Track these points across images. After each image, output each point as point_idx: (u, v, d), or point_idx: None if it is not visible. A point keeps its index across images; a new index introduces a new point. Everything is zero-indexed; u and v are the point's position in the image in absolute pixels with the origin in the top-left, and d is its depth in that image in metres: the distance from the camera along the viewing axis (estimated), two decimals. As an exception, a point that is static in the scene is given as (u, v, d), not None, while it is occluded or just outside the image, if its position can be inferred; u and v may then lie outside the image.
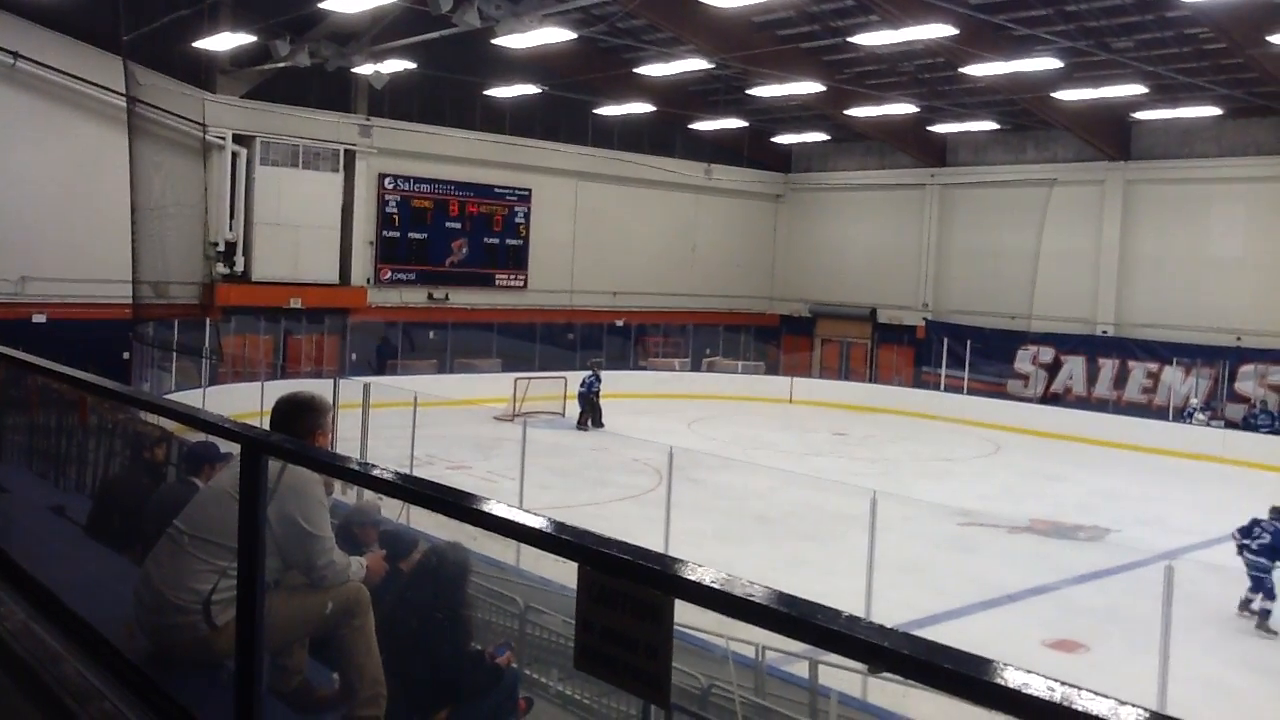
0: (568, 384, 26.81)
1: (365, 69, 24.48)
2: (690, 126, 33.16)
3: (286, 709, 3.78)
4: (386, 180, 29.27)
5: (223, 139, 25.97)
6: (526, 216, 32.05)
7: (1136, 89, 23.97)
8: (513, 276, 31.97)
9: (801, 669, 9.09)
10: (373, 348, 29.06)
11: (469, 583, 5.01)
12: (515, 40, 20.56)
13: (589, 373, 26.49)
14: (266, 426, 3.40)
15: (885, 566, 12.46)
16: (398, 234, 29.65)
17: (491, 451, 20.95)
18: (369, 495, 5.05)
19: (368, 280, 29.12)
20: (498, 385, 26.89)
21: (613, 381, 30.59)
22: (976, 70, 23.36)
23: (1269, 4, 18.80)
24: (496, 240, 31.55)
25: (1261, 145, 26.78)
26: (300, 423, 3.77)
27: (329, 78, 25.65)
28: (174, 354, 24.15)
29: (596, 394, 26.06)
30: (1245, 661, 11.65)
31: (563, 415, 26.29)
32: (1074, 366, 29.96)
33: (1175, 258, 28.17)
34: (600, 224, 33.28)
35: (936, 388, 30.93)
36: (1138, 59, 22.69)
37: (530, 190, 31.97)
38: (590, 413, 25.88)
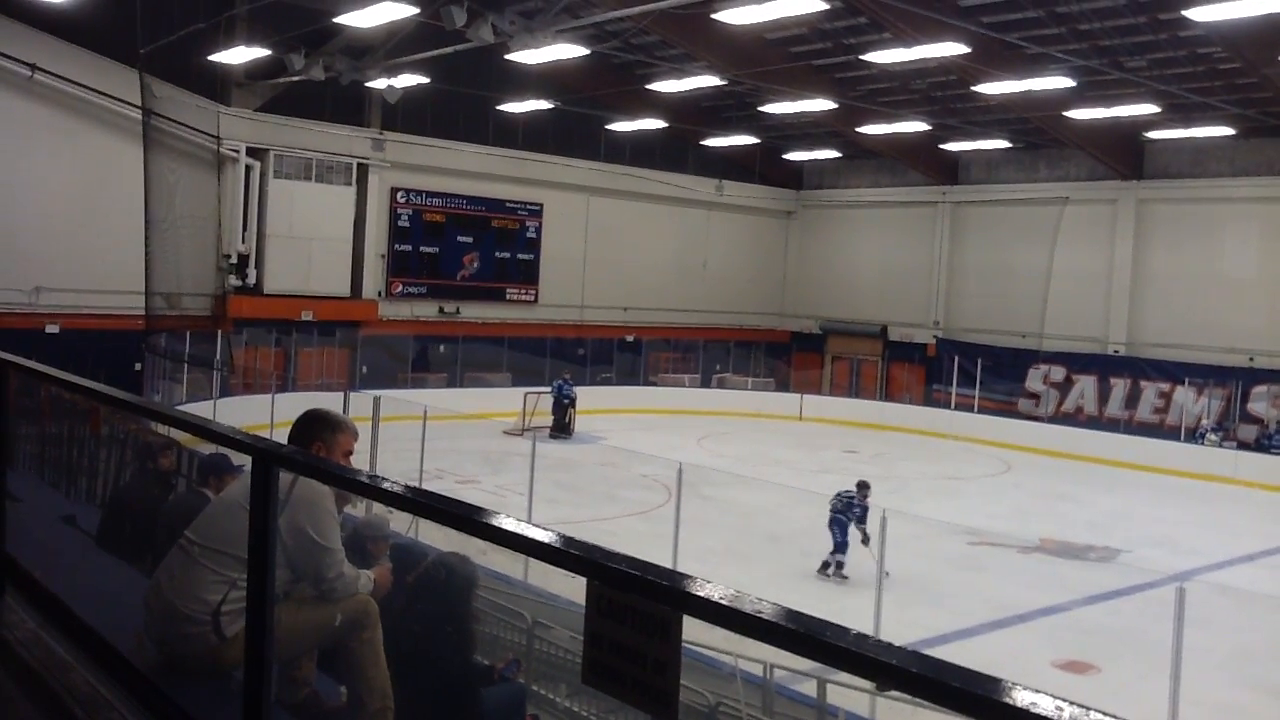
0: (576, 400, 26.84)
1: (379, 83, 24.61)
2: (702, 143, 33.24)
3: (294, 721, 3.78)
4: (399, 194, 29.39)
5: (236, 152, 26.12)
6: (538, 231, 32.13)
7: (1149, 108, 23.97)
8: (524, 291, 32.04)
9: (810, 688, 9.06)
10: (383, 361, 29.15)
11: (475, 595, 5.00)
12: (528, 56, 20.66)
13: (560, 382, 26.79)
14: (280, 438, 3.41)
15: (894, 585, 12.42)
16: (409, 247, 29.75)
17: (500, 466, 20.98)
18: (378, 508, 5.06)
19: (379, 293, 29.20)
20: (508, 400, 26.91)
21: (623, 397, 30.68)
22: (989, 89, 23.37)
23: (1282, 24, 18.77)
24: (508, 255, 31.63)
25: (1275, 165, 26.72)
26: (315, 437, 3.80)
27: (343, 91, 25.79)
28: (185, 365, 24.23)
29: (569, 402, 26.39)
30: (1257, 684, 11.56)
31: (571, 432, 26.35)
32: (1085, 386, 29.87)
33: (1188, 277, 28.09)
34: (611, 239, 33.33)
35: (947, 406, 30.84)
36: (1150, 78, 22.68)
37: (542, 205, 32.07)
38: (561, 420, 26.29)
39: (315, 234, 27.45)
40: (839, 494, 14.74)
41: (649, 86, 27.23)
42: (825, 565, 14.44)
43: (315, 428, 3.81)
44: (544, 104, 28.05)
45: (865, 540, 14.07)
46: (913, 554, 14.11)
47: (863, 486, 14.67)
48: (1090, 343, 29.93)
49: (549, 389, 26.99)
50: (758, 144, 33.07)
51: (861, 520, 14.30)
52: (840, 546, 14.41)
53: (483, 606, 6.50)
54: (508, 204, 31.50)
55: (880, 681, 1.46)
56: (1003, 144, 30.23)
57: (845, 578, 14.21)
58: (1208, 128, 25.65)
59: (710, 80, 25.71)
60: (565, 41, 20.63)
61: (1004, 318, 31.62)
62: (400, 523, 6.57)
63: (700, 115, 31.50)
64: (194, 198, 24.46)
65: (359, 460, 4.55)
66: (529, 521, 2.04)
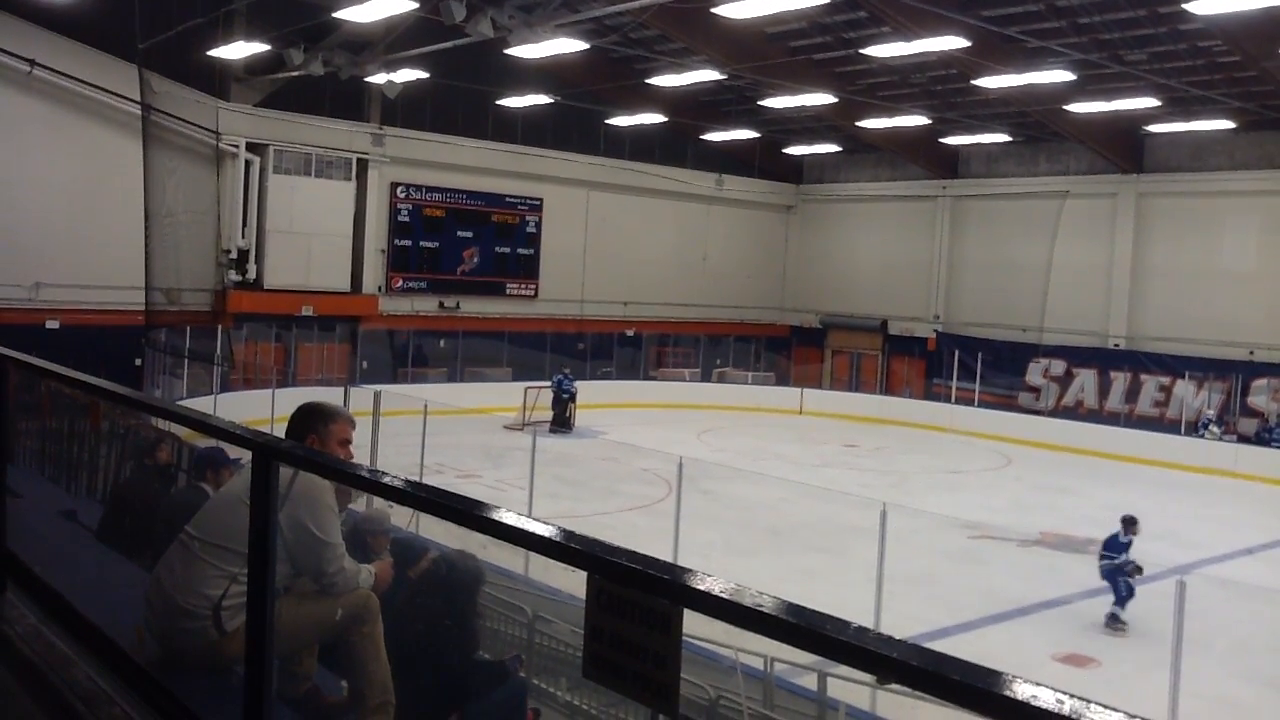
0: (576, 394, 26.84)
1: (378, 78, 24.59)
2: (702, 137, 33.19)
3: (295, 715, 3.78)
4: (399, 189, 29.37)
5: (236, 147, 26.11)
6: (538, 226, 32.12)
7: (1149, 102, 23.94)
8: (523, 285, 32.03)
9: (810, 681, 9.07)
10: (383, 356, 29.18)
11: (481, 592, 5.02)
12: (527, 50, 20.63)
13: (560, 376, 26.81)
14: (280, 433, 3.41)
15: (895, 579, 12.41)
16: (409, 242, 29.74)
17: (501, 460, 20.99)
18: (379, 503, 5.06)
19: (379, 288, 29.21)
20: (508, 394, 26.92)
21: (623, 392, 30.68)
22: (989, 82, 23.35)
23: (1283, 17, 18.74)
24: (508, 249, 31.63)
25: (1274, 158, 26.70)
26: (309, 430, 3.80)
27: (342, 86, 25.76)
28: (186, 360, 24.23)
29: (569, 397, 26.42)
30: (1257, 677, 11.58)
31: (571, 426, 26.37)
32: (1086, 379, 29.87)
33: (1188, 271, 28.09)
34: (611, 234, 33.32)
35: (947, 400, 30.85)
36: (1150, 71, 22.65)
37: (541, 199, 32.05)
38: (561, 415, 26.31)
39: (315, 229, 27.43)
40: (1109, 539, 13.08)
41: (648, 81, 27.20)
42: (1114, 618, 12.74)
43: (309, 420, 3.81)
44: (543, 98, 28.02)
45: (1139, 570, 12.66)
46: (913, 548, 14.10)
47: (1130, 523, 13.05)
48: (1090, 336, 29.93)
49: (549, 384, 26.99)
50: (757, 138, 33.03)
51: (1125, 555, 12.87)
52: (1120, 599, 12.76)
53: (485, 601, 6.51)
54: (507, 199, 31.48)
55: (881, 675, 1.46)
56: (1002, 138, 30.20)
57: (1124, 625, 12.72)
58: (1208, 121, 25.62)
59: (710, 74, 25.67)
60: (564, 36, 20.60)
61: (1004, 311, 31.61)
62: (401, 517, 6.57)
63: (700, 109, 31.46)
64: (193, 193, 24.48)
65: (360, 455, 4.56)
66: (530, 516, 2.03)
